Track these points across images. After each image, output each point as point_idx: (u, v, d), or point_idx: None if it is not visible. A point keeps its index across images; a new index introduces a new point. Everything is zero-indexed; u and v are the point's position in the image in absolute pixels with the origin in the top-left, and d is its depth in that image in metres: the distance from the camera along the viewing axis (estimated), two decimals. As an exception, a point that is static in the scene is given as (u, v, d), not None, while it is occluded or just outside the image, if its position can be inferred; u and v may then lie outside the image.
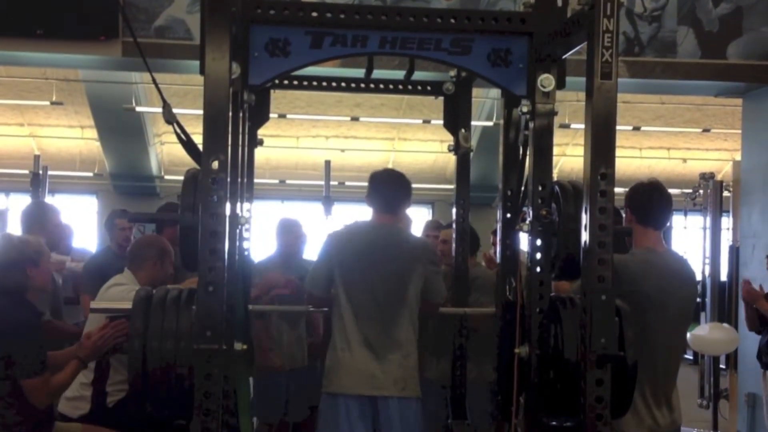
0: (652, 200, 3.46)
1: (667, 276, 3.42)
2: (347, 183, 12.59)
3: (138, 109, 10.88)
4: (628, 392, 2.72)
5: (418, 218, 7.57)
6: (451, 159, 4.10)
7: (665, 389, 3.42)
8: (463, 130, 3.91)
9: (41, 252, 3.74)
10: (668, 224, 4.43)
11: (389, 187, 3.81)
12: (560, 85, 2.86)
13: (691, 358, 10.61)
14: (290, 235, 5.28)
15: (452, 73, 3.87)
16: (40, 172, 7.95)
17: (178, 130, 2.76)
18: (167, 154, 13.02)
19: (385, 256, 3.66)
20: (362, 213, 4.61)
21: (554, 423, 2.83)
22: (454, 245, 3.99)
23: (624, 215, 3.47)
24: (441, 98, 3.99)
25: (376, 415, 3.61)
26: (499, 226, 3.27)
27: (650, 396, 3.35)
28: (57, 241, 5.03)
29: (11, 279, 3.59)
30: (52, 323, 4.41)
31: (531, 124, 2.87)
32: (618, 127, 2.45)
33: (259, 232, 3.95)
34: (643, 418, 3.33)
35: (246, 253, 3.36)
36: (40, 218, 4.95)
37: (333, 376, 3.64)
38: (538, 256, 2.87)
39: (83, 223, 12.58)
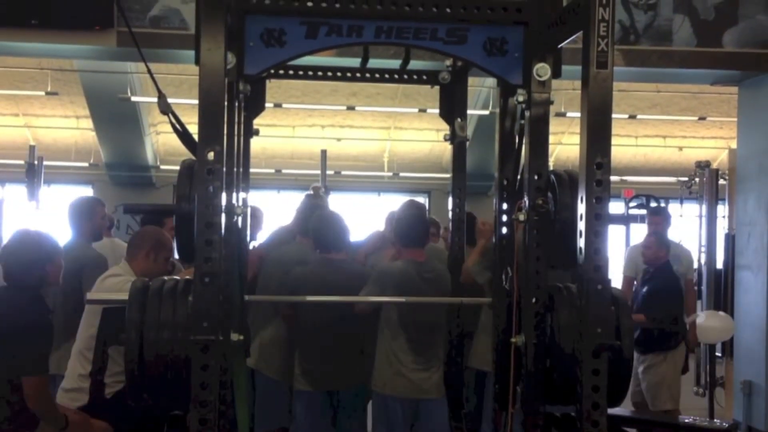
0: None
1: None
2: (343, 172, 12.51)
3: (133, 98, 10.85)
4: (624, 380, 2.73)
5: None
6: (447, 148, 4.09)
7: None
8: (459, 119, 3.90)
9: (57, 247, 3.76)
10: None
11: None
12: (556, 74, 2.85)
13: (687, 345, 10.64)
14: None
15: (448, 62, 3.86)
16: (36, 162, 7.93)
17: (174, 121, 2.75)
18: (163, 144, 12.98)
19: None
20: (357, 202, 4.61)
21: (551, 412, 2.84)
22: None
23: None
24: (437, 87, 3.99)
25: None
26: (495, 215, 3.28)
27: None
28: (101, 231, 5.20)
29: (31, 275, 3.63)
30: None
31: (527, 114, 2.86)
32: (613, 116, 2.44)
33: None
34: None
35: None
36: (89, 211, 5.07)
37: None
38: (534, 245, 2.87)
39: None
